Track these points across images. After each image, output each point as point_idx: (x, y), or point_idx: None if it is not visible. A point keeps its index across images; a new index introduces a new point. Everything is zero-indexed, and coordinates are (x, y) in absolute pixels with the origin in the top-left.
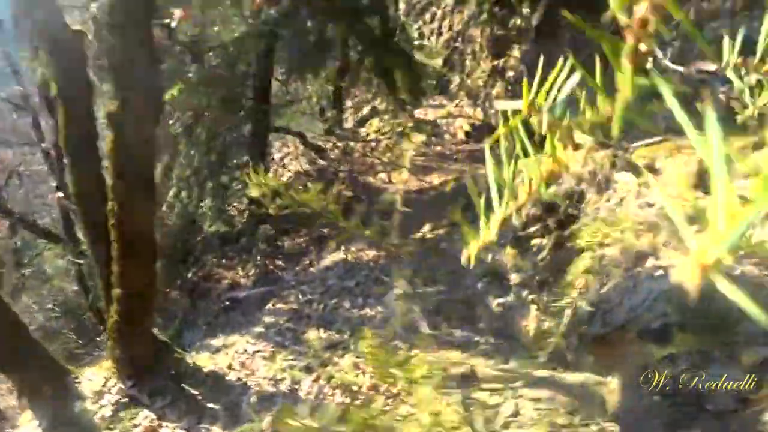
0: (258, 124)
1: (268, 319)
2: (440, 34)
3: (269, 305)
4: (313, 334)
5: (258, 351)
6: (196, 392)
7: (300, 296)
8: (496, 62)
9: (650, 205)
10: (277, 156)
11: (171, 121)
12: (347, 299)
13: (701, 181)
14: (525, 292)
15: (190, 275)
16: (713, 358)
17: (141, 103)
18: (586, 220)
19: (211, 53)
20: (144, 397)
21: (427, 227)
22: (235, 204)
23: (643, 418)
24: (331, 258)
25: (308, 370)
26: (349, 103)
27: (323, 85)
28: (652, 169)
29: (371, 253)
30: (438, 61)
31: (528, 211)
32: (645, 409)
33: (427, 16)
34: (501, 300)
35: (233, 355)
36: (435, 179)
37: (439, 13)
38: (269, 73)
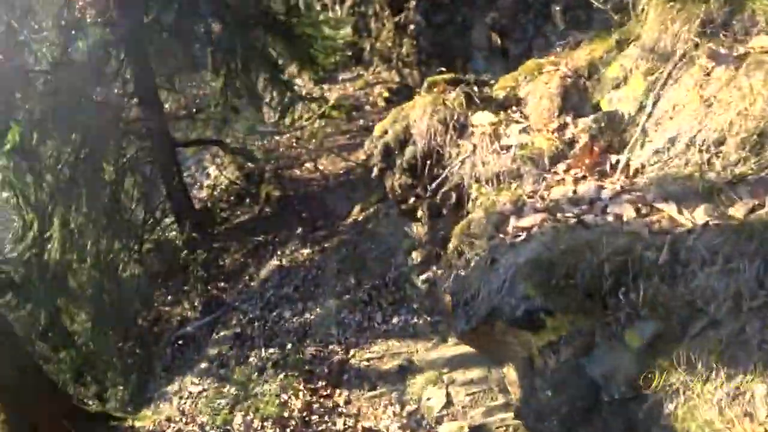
0: (157, 143)
1: (212, 351)
2: (343, 1)
3: (214, 334)
4: (254, 357)
5: (202, 391)
6: None
7: (242, 317)
8: (397, 18)
9: (507, 149)
10: (207, 169)
11: (43, 170)
12: (288, 308)
13: (566, 101)
14: (433, 267)
15: (140, 322)
16: (597, 341)
17: None
18: (455, 179)
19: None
20: None
21: (356, 209)
22: (170, 233)
23: (542, 416)
24: (268, 268)
25: (239, 404)
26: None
27: (227, 84)
28: (516, 100)
29: (306, 252)
30: (348, 30)
31: (399, 180)
32: (541, 406)
33: None
34: (424, 276)
35: (177, 403)
36: (362, 155)
37: None
38: (150, 85)
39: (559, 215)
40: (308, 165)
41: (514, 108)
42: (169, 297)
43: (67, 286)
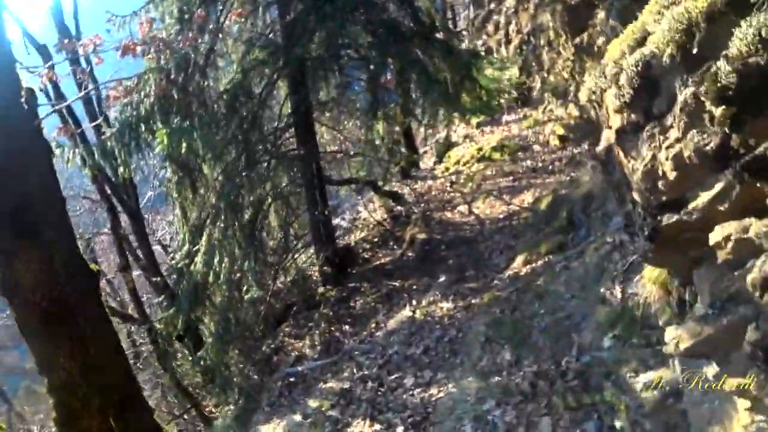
0: (308, 177)
1: (313, 404)
2: (509, 41)
3: (321, 383)
4: (352, 429)
5: None
6: None
7: (356, 370)
8: (578, 39)
9: None
10: (358, 209)
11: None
12: (411, 374)
13: None
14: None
15: (264, 348)
16: None
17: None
18: None
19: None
20: None
21: (519, 260)
22: (310, 267)
23: None
24: (398, 318)
25: None
26: (426, 141)
27: (384, 126)
28: None
29: (445, 306)
30: (514, 71)
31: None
32: None
33: (490, 28)
34: (650, 376)
35: None
36: (527, 198)
37: (503, 20)
38: (307, 119)
39: None
40: (461, 208)
41: None
42: (295, 330)
43: (205, 298)
